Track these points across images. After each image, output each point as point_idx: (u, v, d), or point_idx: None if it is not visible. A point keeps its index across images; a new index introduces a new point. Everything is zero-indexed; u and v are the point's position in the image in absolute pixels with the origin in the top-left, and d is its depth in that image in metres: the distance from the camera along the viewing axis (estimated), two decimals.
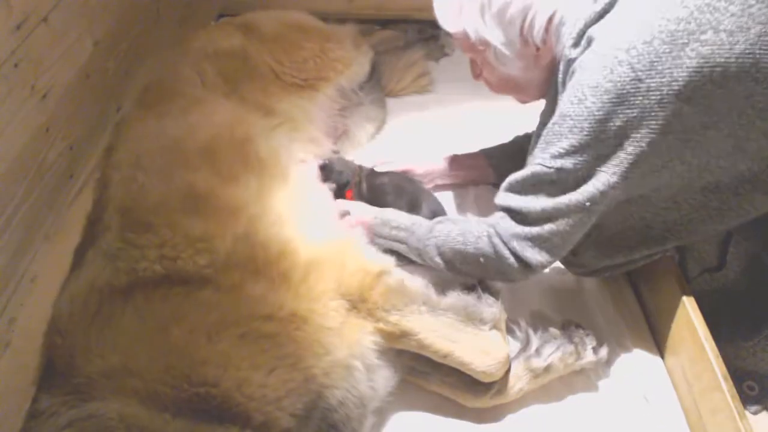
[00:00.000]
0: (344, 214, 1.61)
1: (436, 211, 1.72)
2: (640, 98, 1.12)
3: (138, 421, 1.09)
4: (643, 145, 1.16)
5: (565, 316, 1.54)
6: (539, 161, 1.25)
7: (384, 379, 1.33)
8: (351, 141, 1.98)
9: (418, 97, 2.27)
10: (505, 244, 1.32)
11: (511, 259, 1.32)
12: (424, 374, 1.41)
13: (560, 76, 1.29)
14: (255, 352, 1.16)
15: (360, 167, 1.80)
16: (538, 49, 1.34)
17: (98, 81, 1.70)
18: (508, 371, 1.37)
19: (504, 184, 1.35)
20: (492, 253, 1.35)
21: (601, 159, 1.19)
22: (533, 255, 1.30)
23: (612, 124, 1.15)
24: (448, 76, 2.31)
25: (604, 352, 1.44)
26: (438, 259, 1.44)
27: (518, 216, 1.31)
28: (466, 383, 1.38)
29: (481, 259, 1.37)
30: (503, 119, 1.82)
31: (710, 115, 1.13)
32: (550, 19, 1.28)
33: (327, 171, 1.77)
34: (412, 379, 1.42)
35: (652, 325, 1.54)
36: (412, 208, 1.69)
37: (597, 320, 1.55)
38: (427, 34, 2.43)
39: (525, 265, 1.32)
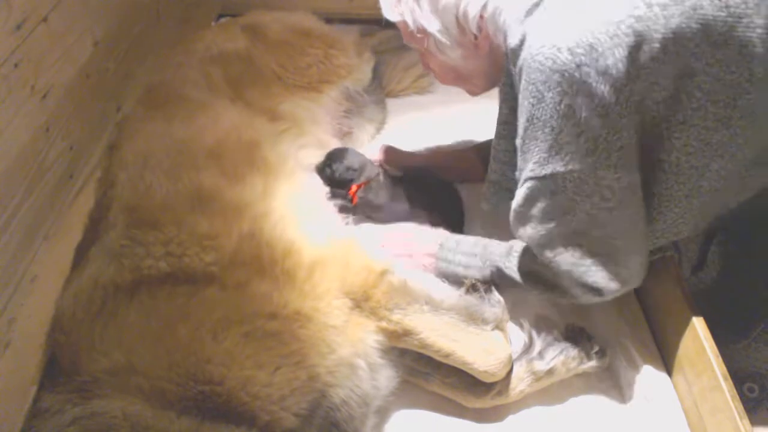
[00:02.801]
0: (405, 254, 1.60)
1: (456, 205, 1.75)
2: (593, 84, 1.10)
3: (142, 420, 1.09)
4: (620, 129, 1.14)
5: (565, 317, 1.55)
6: (528, 175, 1.23)
7: (386, 378, 1.33)
8: (353, 142, 1.98)
9: (418, 97, 2.28)
10: (565, 273, 1.30)
11: (576, 289, 1.31)
12: (424, 375, 1.41)
13: (510, 67, 1.26)
14: (259, 350, 1.16)
15: (379, 172, 1.78)
16: (476, 37, 1.34)
17: (98, 81, 1.69)
18: (509, 372, 1.37)
19: (511, 218, 1.33)
20: (560, 283, 1.34)
21: (588, 154, 1.16)
22: (593, 279, 1.27)
23: (579, 115, 1.12)
24: None
25: (607, 357, 1.44)
26: (518, 277, 1.42)
27: (547, 248, 1.28)
28: (467, 384, 1.38)
29: (555, 284, 1.36)
30: None
31: (659, 91, 1.13)
32: (485, 7, 1.28)
33: (332, 159, 1.75)
34: (413, 379, 1.42)
35: (652, 325, 1.54)
36: (432, 204, 1.73)
37: (597, 320, 1.55)
38: None
39: (591, 289, 1.30)
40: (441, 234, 1.62)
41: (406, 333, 1.31)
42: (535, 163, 1.21)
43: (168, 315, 1.20)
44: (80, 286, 1.29)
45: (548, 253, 1.30)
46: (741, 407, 1.21)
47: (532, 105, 1.16)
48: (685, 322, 1.38)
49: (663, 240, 1.35)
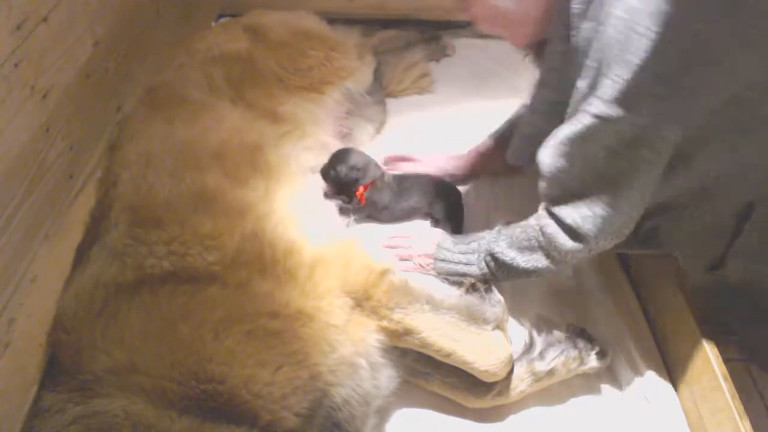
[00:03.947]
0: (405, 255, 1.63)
1: (457, 203, 1.77)
2: (689, 19, 1.02)
3: (143, 419, 1.08)
4: (697, 82, 1.05)
5: (566, 317, 1.56)
6: (591, 110, 1.12)
7: (387, 378, 1.33)
8: (353, 142, 1.98)
9: (418, 97, 2.28)
10: (551, 215, 1.28)
11: (560, 233, 1.27)
12: (425, 375, 1.41)
13: (576, 6, 1.16)
14: (261, 349, 1.16)
15: (383, 172, 1.80)
16: None
17: (98, 81, 1.69)
18: (510, 372, 1.38)
19: (549, 144, 1.24)
20: (542, 239, 1.32)
21: (658, 101, 1.07)
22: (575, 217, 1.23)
23: (667, 57, 1.03)
24: (448, 76, 2.32)
25: (608, 358, 1.44)
26: (512, 252, 1.39)
27: (565, 177, 1.22)
28: (467, 384, 1.38)
29: (538, 248, 1.35)
30: (504, 119, 1.82)
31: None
32: None
33: (335, 162, 1.76)
34: (413, 379, 1.42)
35: (652, 326, 1.55)
36: (435, 201, 1.76)
37: (597, 321, 1.55)
38: (428, 34, 2.44)
39: (570, 230, 1.25)
40: (438, 234, 1.63)
41: (407, 332, 1.32)
42: (602, 100, 1.11)
43: (170, 314, 1.20)
44: (82, 285, 1.29)
45: (560, 188, 1.26)
46: (741, 407, 1.22)
47: (618, 31, 1.07)
48: (685, 323, 1.39)
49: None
